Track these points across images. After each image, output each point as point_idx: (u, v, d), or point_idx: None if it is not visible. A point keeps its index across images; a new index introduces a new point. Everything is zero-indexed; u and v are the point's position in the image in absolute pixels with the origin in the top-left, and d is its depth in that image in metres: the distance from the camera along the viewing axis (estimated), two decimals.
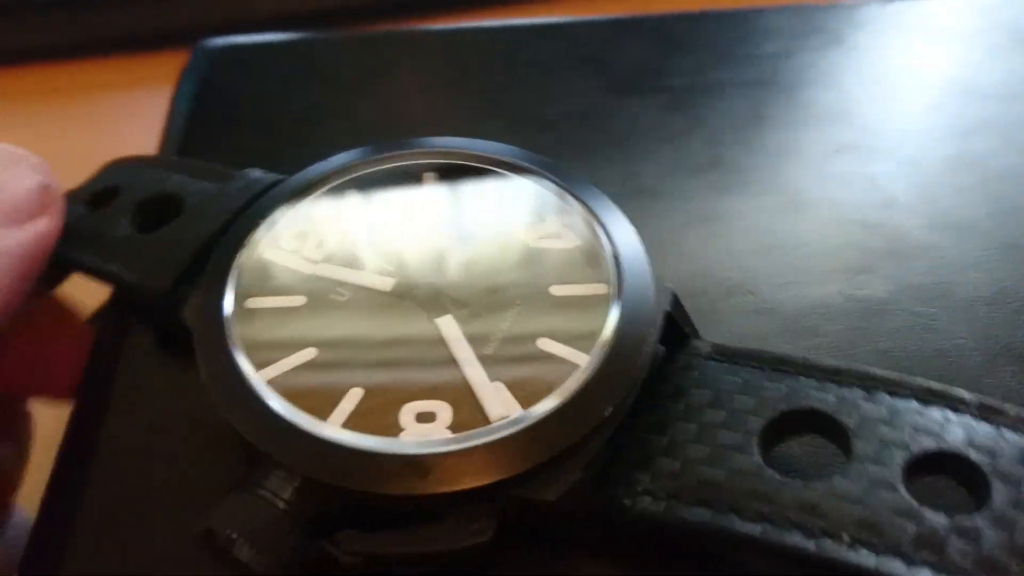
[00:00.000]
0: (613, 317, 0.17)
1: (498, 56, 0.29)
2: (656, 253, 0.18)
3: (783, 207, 0.24)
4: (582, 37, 0.29)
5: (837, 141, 0.26)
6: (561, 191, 0.20)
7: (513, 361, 0.17)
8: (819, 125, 0.26)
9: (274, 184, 0.21)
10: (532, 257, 0.19)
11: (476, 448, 0.15)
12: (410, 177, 0.21)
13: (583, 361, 0.16)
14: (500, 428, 0.15)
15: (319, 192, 0.20)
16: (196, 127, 0.28)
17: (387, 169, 0.21)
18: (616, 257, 0.18)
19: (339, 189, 0.20)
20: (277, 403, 0.16)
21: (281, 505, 0.15)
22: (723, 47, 0.29)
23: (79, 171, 0.24)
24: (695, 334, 0.18)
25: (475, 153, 0.21)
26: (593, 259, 0.18)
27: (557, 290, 0.18)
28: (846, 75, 0.28)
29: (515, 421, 0.15)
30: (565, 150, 0.26)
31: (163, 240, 0.20)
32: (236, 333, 0.17)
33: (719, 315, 0.21)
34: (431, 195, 0.21)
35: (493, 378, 0.17)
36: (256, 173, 0.22)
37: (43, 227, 0.19)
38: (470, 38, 0.30)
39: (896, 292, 0.21)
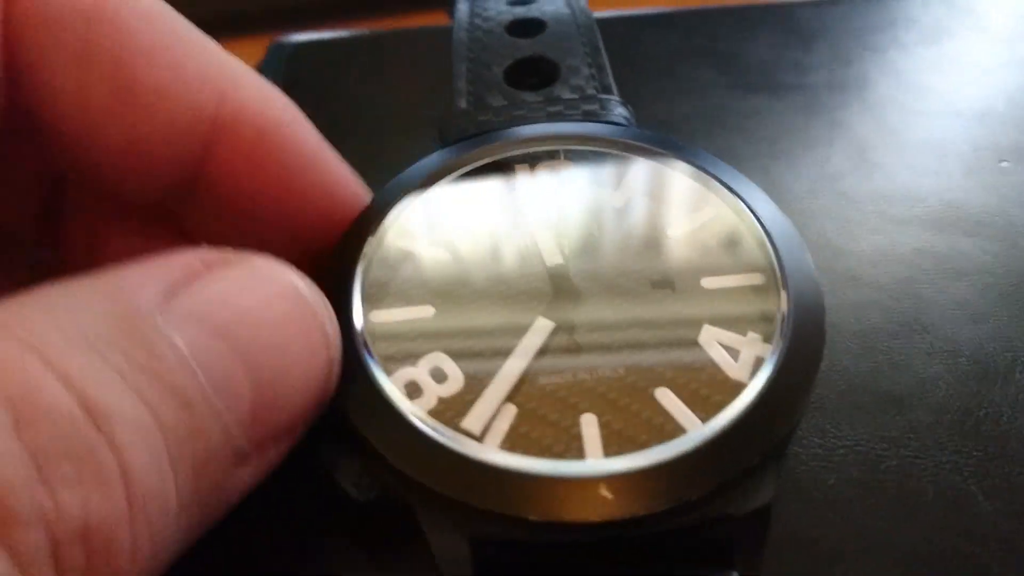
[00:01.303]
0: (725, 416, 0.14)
1: (608, 50, 0.26)
2: None
3: (953, 227, 0.21)
4: (700, 28, 0.27)
5: (1002, 147, 0.23)
6: (770, 251, 0.17)
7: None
8: (979, 128, 0.23)
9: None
10: (691, 296, 0.17)
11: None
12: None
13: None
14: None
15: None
16: None
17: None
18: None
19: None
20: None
21: None
22: (863, 36, 0.26)
23: None
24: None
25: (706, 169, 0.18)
26: (762, 317, 0.16)
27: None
28: (1002, 67, 0.25)
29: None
30: None
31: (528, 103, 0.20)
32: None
33: (891, 355, 0.18)
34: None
35: (503, 399, 0.15)
36: (617, 114, 0.20)
37: (287, 445, 0.14)
38: None
39: None
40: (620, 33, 0.27)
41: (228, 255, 0.13)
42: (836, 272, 0.20)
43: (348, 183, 0.17)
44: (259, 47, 0.31)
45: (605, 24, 0.27)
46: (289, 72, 0.28)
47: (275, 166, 0.16)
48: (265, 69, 0.28)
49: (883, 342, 0.18)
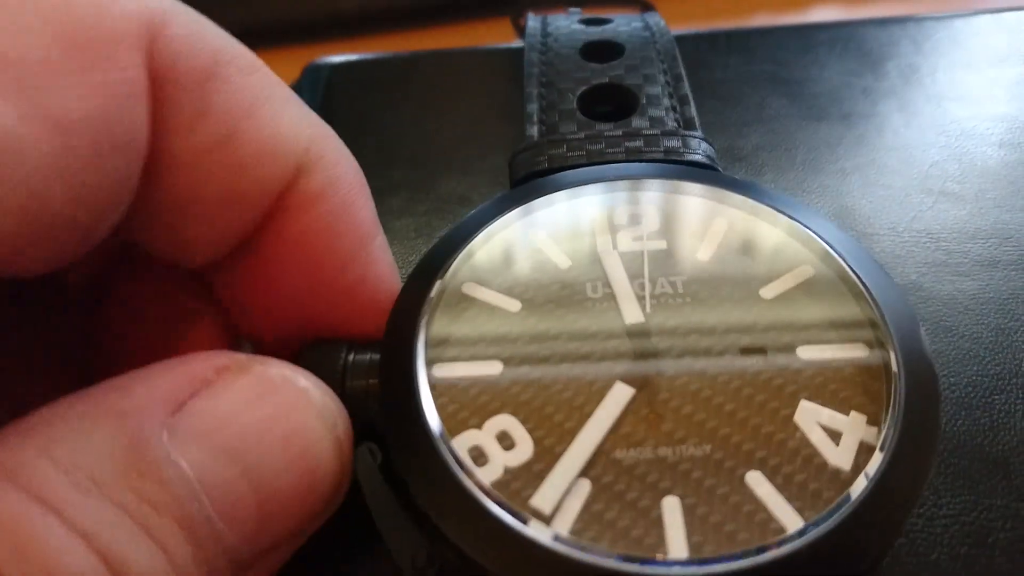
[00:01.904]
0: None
1: None
2: None
3: None
4: (762, 49, 0.25)
5: None
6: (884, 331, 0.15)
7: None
8: None
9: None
10: (786, 366, 0.15)
11: None
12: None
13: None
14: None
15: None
16: None
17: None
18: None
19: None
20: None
21: None
22: (933, 57, 0.25)
23: None
24: None
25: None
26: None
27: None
28: None
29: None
30: None
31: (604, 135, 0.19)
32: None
33: (991, 414, 0.17)
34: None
35: (576, 473, 0.14)
36: (701, 151, 0.19)
37: (296, 545, 0.13)
38: None
39: None
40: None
41: (240, 360, 0.13)
42: (924, 320, 0.18)
43: (385, 269, 0.16)
44: (290, 60, 0.30)
45: None
46: (327, 95, 0.27)
47: (323, 222, 0.15)
48: (300, 91, 0.27)
49: (981, 398, 0.17)
